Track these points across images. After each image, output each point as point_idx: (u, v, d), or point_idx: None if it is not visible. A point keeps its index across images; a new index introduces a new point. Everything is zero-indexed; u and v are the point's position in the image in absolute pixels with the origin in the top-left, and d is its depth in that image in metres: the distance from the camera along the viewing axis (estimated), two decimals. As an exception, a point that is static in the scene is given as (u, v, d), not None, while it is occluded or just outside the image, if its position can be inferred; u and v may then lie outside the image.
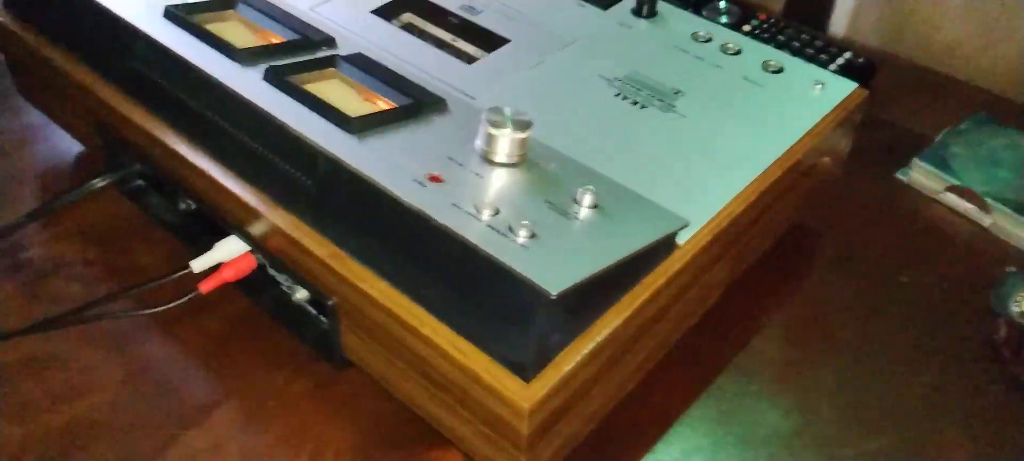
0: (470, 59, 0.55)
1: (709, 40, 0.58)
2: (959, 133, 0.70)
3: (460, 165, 0.43)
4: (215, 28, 0.51)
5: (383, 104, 0.48)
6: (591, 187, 0.42)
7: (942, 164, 0.66)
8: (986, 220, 0.64)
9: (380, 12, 0.58)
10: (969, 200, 0.65)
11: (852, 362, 0.54)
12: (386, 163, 0.42)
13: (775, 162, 0.49)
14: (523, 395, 0.37)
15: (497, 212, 0.40)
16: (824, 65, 0.60)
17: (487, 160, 0.43)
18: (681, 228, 0.43)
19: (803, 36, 0.76)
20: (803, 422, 0.50)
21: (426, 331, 0.39)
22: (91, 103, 0.54)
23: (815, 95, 0.54)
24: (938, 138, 0.70)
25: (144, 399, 0.48)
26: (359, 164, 0.42)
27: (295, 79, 0.47)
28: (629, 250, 0.40)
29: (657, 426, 0.49)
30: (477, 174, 0.42)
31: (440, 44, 0.57)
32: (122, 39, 0.51)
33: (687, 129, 0.50)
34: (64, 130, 0.63)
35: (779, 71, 0.55)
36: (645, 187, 0.45)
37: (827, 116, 0.53)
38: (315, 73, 0.49)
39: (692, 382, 0.52)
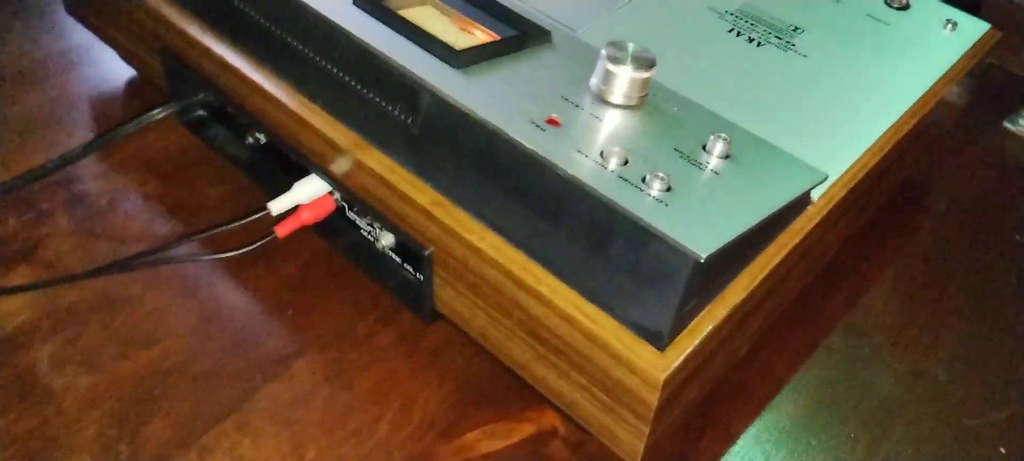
0: (564, -14, 0.50)
1: (824, -29, 0.53)
2: (1070, 79, 0.65)
3: (576, 106, 0.39)
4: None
5: (482, 34, 0.43)
6: (723, 135, 0.38)
7: (1056, 113, 0.62)
8: (1101, 174, 0.60)
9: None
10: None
11: (969, 325, 0.50)
12: (498, 102, 0.38)
13: (909, 110, 0.45)
14: (657, 365, 0.33)
15: (626, 162, 0.36)
16: None
17: (604, 101, 0.39)
18: (819, 182, 0.39)
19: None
20: (919, 389, 0.46)
21: (544, 291, 0.36)
22: (154, 25, 0.49)
23: (946, 35, 0.49)
24: (1049, 84, 0.65)
25: (220, 347, 0.45)
26: (470, 103, 0.38)
27: (388, 4, 0.43)
28: (772, 207, 0.36)
29: (766, 389, 0.46)
30: (595, 116, 0.38)
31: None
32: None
33: (810, 70, 0.46)
34: (117, 54, 0.59)
35: (905, 8, 0.51)
36: (770, 135, 0.40)
37: (961, 59, 0.48)
38: (406, -2, 0.45)
39: (800, 343, 0.48)
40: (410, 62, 0.39)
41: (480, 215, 0.38)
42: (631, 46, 0.39)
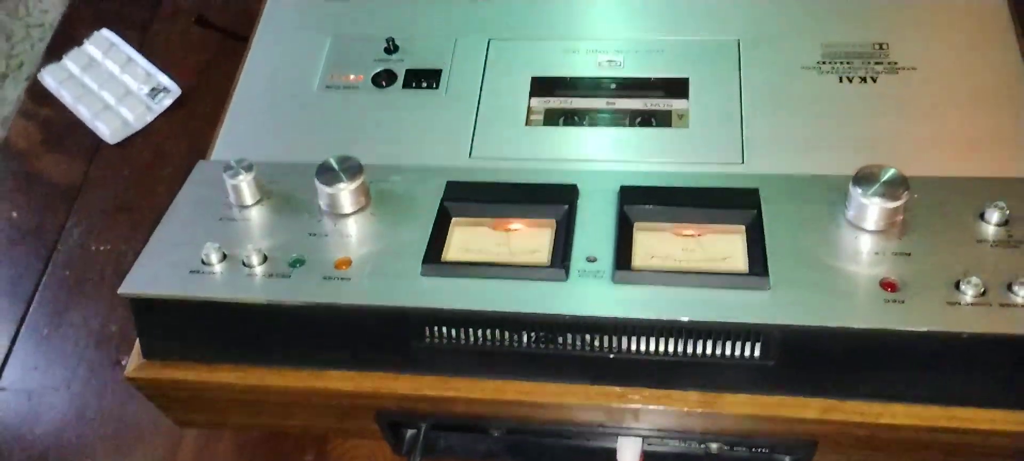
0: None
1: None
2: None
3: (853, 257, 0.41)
4: (477, 255, 0.44)
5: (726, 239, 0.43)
6: (999, 203, 0.42)
7: None
8: None
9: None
10: None
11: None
12: (826, 297, 0.39)
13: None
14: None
15: (984, 291, 0.39)
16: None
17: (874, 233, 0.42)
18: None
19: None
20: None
21: (986, 425, 0.39)
22: (372, 402, 0.45)
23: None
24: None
25: None
26: (852, 318, 0.39)
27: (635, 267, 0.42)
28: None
29: None
30: (892, 254, 0.41)
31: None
32: (402, 331, 0.42)
33: (930, 82, 0.49)
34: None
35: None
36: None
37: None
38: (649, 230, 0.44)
39: None
40: (730, 314, 0.40)
41: (876, 397, 0.40)
42: (884, 172, 0.42)
